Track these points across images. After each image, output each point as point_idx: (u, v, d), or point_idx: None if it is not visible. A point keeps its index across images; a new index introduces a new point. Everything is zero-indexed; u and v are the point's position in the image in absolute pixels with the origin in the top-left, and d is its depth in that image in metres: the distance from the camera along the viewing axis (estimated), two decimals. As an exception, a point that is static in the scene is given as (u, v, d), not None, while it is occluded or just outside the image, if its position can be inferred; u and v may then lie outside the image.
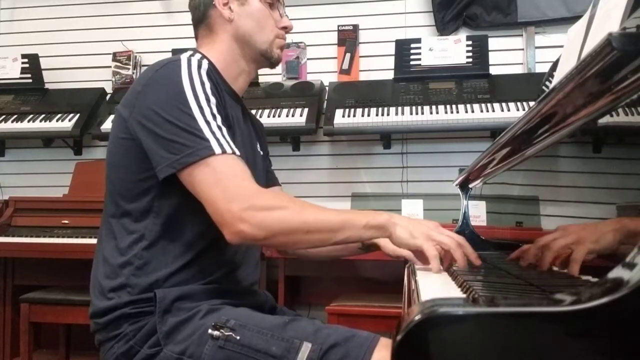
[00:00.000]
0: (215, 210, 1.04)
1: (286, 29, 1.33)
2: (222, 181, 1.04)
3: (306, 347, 1.01)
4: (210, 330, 1.05)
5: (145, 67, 3.02)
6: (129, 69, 3.00)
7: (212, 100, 1.11)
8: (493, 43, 2.70)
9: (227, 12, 1.27)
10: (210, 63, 1.21)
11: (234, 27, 1.27)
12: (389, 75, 2.75)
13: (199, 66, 1.14)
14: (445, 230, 1.10)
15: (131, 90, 1.16)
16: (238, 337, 1.03)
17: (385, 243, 1.28)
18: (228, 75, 1.27)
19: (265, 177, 1.42)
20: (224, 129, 1.10)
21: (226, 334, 1.04)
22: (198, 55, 1.20)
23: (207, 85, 1.12)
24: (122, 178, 1.16)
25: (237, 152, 1.08)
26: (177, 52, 2.80)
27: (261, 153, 1.40)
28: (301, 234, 1.06)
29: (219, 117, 1.10)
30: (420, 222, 1.12)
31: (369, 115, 2.56)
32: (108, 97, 2.99)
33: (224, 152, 1.06)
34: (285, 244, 1.17)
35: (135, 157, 1.12)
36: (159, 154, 1.08)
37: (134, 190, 1.14)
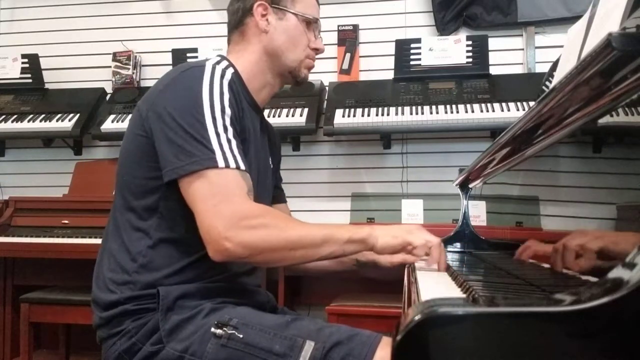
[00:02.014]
0: (202, 224, 1.05)
1: (317, 51, 1.33)
2: (214, 196, 1.04)
3: (309, 346, 1.01)
4: (213, 329, 1.05)
5: (145, 67, 3.04)
6: (129, 69, 3.00)
7: (228, 112, 1.11)
8: (493, 43, 2.69)
9: (264, 23, 1.26)
10: (236, 72, 1.21)
11: (267, 39, 1.27)
12: (389, 75, 2.75)
13: (222, 75, 1.14)
14: (427, 231, 1.14)
15: (154, 88, 1.17)
16: (241, 336, 1.04)
17: (379, 257, 1.30)
18: (252, 86, 1.26)
19: (272, 193, 1.41)
20: (234, 142, 1.10)
21: (229, 332, 1.04)
22: (224, 63, 1.20)
23: (226, 96, 1.12)
24: (132, 174, 1.17)
25: (242, 167, 1.09)
26: (177, 52, 2.83)
27: (271, 166, 1.39)
28: (285, 251, 1.07)
29: (230, 130, 1.10)
30: (400, 225, 1.16)
31: (369, 115, 2.55)
32: (108, 97, 2.99)
33: (227, 166, 1.06)
34: (269, 262, 1.17)
35: (147, 155, 1.13)
36: (166, 158, 1.08)
37: (142, 188, 1.15)
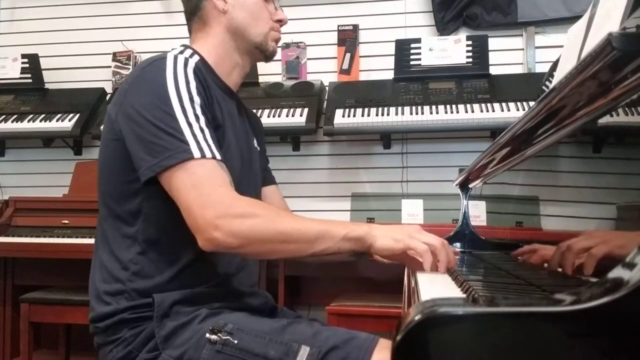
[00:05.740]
0: (189, 215, 1.03)
1: (281, 22, 1.31)
2: (198, 186, 1.02)
3: (304, 351, 1.00)
4: (207, 335, 1.04)
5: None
6: (129, 69, 3.00)
7: (197, 100, 1.09)
8: (493, 43, 2.69)
9: (221, 3, 1.24)
10: (201, 59, 1.19)
11: (228, 19, 1.25)
12: (389, 75, 2.75)
13: (185, 64, 1.12)
14: (428, 233, 1.08)
15: (120, 90, 1.15)
16: (236, 341, 1.03)
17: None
18: (221, 70, 1.25)
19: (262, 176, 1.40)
20: (207, 131, 1.08)
21: (224, 338, 1.03)
22: (188, 52, 1.18)
23: (193, 84, 1.10)
24: (111, 180, 1.15)
25: (218, 157, 1.06)
26: (177, 52, 2.82)
27: (258, 149, 1.37)
28: (276, 244, 1.04)
29: (202, 118, 1.08)
30: (401, 227, 1.10)
31: (369, 115, 2.56)
32: (108, 97, 2.99)
33: (203, 156, 1.04)
34: (260, 253, 1.14)
35: (122, 158, 1.11)
36: (140, 156, 1.06)
37: (122, 193, 1.13)
